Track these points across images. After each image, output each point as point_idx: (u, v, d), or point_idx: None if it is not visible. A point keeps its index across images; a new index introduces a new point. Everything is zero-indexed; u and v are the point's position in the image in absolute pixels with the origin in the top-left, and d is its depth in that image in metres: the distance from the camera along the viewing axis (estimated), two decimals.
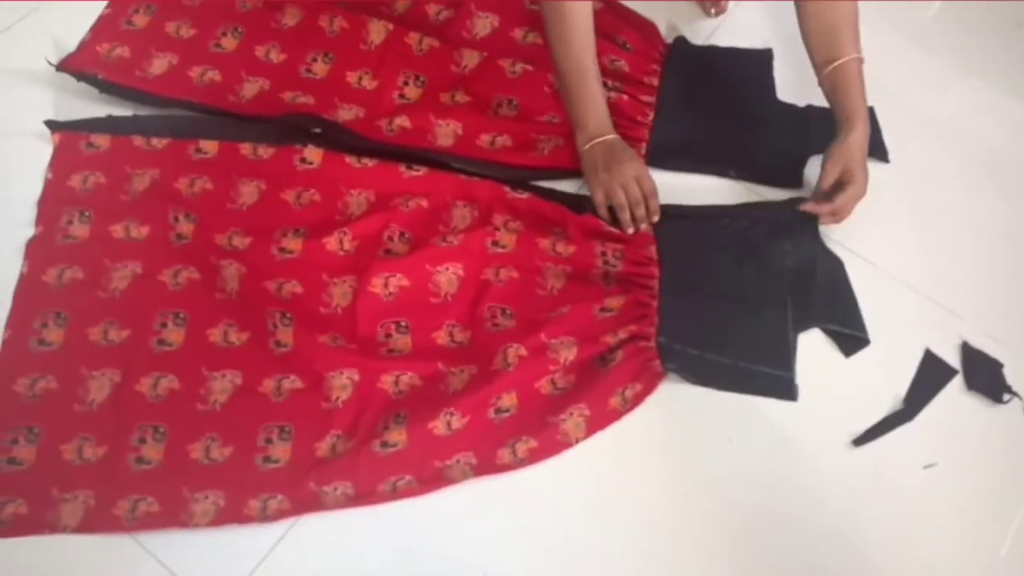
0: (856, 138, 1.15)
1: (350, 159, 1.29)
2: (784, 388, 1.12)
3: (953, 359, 1.16)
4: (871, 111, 1.30)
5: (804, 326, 1.16)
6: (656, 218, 1.21)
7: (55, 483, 1.03)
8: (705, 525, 1.05)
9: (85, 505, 1.02)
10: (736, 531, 1.04)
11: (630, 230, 1.21)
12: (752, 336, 1.15)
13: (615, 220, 1.22)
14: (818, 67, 1.19)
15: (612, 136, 1.22)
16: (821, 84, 1.19)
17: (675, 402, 1.12)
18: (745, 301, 1.17)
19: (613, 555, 1.03)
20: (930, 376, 1.14)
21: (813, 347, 1.16)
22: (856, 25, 1.17)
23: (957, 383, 1.14)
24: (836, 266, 1.21)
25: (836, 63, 1.16)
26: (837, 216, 1.20)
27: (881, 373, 1.14)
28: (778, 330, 1.15)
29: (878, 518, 1.05)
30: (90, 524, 1.01)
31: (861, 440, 1.09)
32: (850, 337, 1.16)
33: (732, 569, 1.02)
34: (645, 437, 1.10)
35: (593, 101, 1.21)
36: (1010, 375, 1.14)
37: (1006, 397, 1.12)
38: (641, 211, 1.20)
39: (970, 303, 1.20)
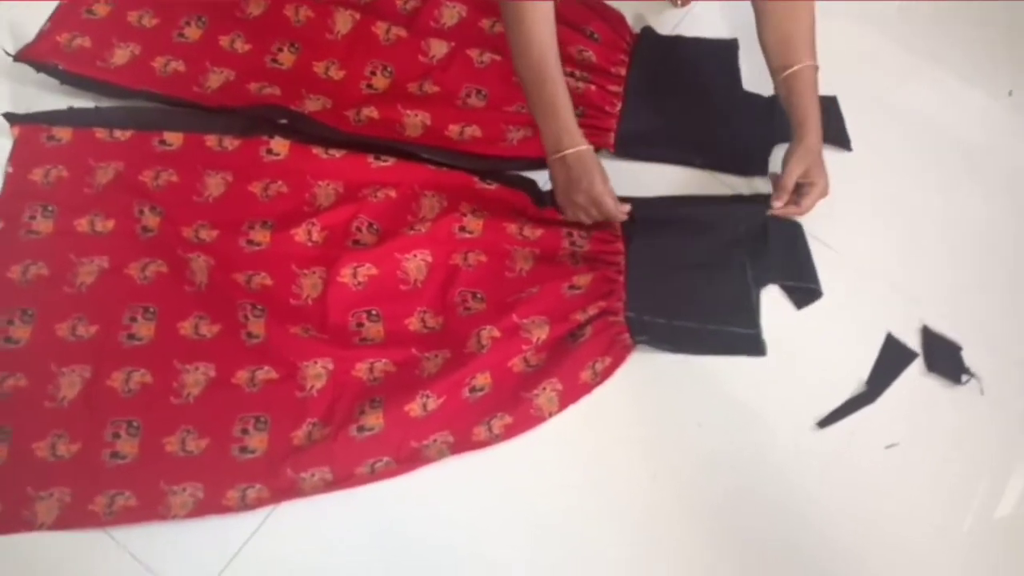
0: (812, 142, 1.17)
1: (317, 150, 1.29)
2: (752, 345, 1.16)
3: (914, 342, 1.19)
4: (834, 100, 1.34)
5: (763, 282, 1.21)
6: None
7: (29, 481, 1.03)
8: (676, 507, 1.07)
9: (61, 502, 1.02)
10: (707, 512, 1.07)
11: None
12: (716, 299, 1.18)
13: None
14: (774, 72, 1.21)
15: (572, 151, 1.15)
16: (776, 88, 1.22)
17: (645, 391, 1.14)
18: (706, 267, 1.20)
19: (585, 533, 1.05)
20: (891, 359, 1.17)
21: (778, 333, 1.18)
22: (812, 32, 1.19)
23: (918, 365, 1.17)
24: (792, 227, 1.25)
25: (791, 70, 1.17)
26: (801, 213, 1.22)
27: (844, 357, 1.17)
28: (740, 290, 1.18)
29: (845, 497, 1.08)
30: (67, 521, 1.01)
31: (825, 422, 1.12)
32: (804, 290, 1.21)
33: (704, 548, 1.05)
34: (616, 423, 1.12)
35: (553, 110, 1.14)
36: (968, 357, 1.17)
37: (964, 378, 1.16)
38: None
39: (930, 288, 1.23)
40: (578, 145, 1.15)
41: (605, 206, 1.16)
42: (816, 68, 1.18)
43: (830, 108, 1.33)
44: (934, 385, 1.16)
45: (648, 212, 1.23)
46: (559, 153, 1.15)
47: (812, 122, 1.17)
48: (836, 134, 1.30)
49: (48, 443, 1.05)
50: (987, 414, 1.14)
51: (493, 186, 1.27)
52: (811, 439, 1.12)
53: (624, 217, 1.19)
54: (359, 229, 1.23)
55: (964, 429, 1.13)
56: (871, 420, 1.13)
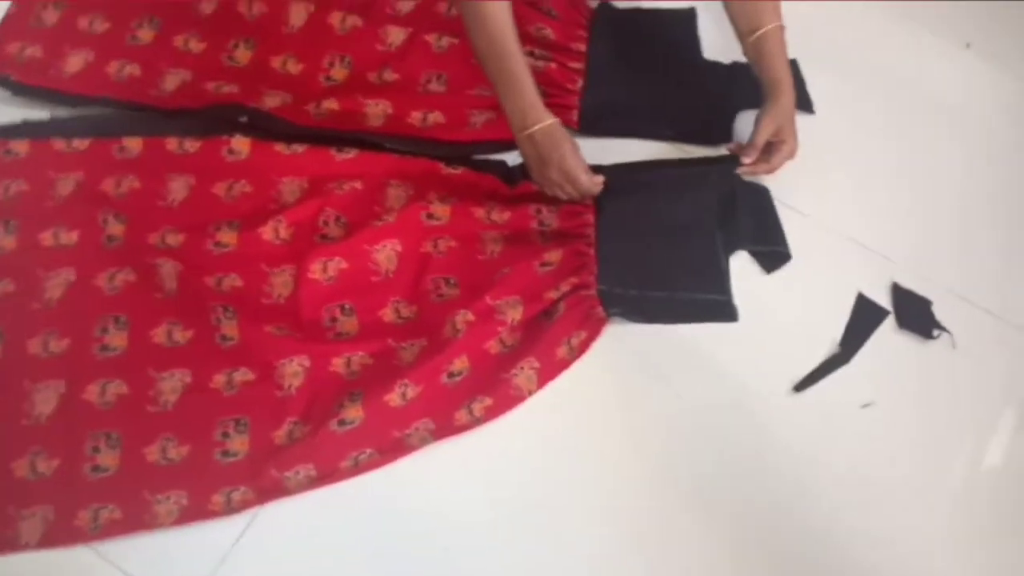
0: (787, 101, 1.18)
1: (279, 146, 1.27)
2: (724, 310, 1.17)
3: (885, 300, 1.20)
4: (795, 63, 1.33)
5: (733, 248, 1.22)
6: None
7: (11, 501, 1.02)
8: (657, 478, 1.08)
9: (44, 520, 1.01)
10: (688, 481, 1.08)
11: None
12: (685, 266, 1.19)
13: None
14: (742, 35, 1.20)
15: (539, 126, 1.14)
16: (745, 52, 1.21)
17: (621, 366, 1.14)
18: (675, 234, 1.21)
19: (571, 511, 1.06)
20: (863, 318, 1.18)
21: (751, 299, 1.19)
22: None
23: (889, 323, 1.18)
24: (761, 193, 1.26)
25: (759, 32, 1.17)
26: (769, 171, 1.23)
27: (816, 320, 1.18)
28: (709, 257, 1.20)
29: (825, 459, 1.09)
30: (52, 538, 1.00)
31: (801, 386, 1.13)
32: (773, 254, 1.22)
33: (687, 516, 1.06)
34: (595, 399, 1.12)
35: (515, 87, 1.13)
36: (939, 311, 1.18)
37: (936, 333, 1.17)
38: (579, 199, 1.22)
39: (898, 245, 1.24)
40: (544, 120, 1.14)
41: (578, 181, 1.16)
42: (783, 28, 1.18)
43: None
44: (907, 341, 1.17)
45: (615, 180, 1.22)
46: (526, 131, 1.15)
47: (785, 82, 1.18)
48: (798, 97, 1.30)
49: (27, 461, 1.04)
50: (960, 367, 1.15)
51: (460, 170, 1.26)
52: (788, 403, 1.12)
53: (599, 190, 1.19)
54: (326, 223, 1.22)
55: (938, 384, 1.14)
56: (846, 381, 1.14)
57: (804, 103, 1.33)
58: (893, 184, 1.30)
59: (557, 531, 1.05)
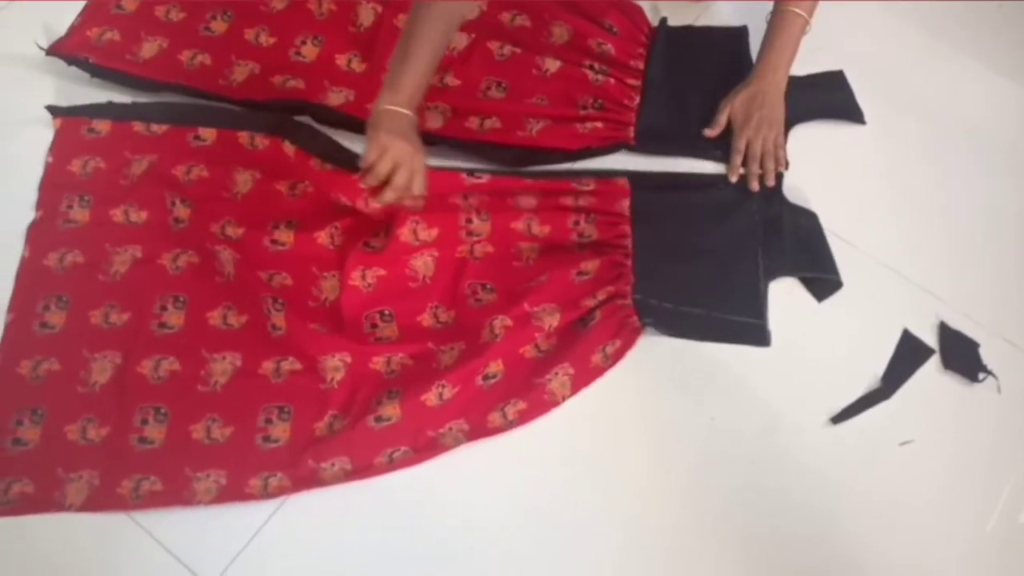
0: (755, 80, 1.27)
1: None
2: (757, 335, 1.17)
3: (930, 339, 1.18)
4: (840, 74, 1.36)
5: (775, 275, 1.21)
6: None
7: (60, 463, 1.06)
8: (687, 502, 1.08)
9: (90, 484, 1.05)
10: (718, 505, 1.07)
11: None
12: (724, 287, 1.19)
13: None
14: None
15: (410, 113, 1.16)
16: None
17: (658, 385, 1.15)
18: (716, 254, 1.21)
19: (595, 523, 1.06)
20: (908, 355, 1.17)
21: (793, 327, 1.18)
22: None
23: (934, 362, 1.16)
24: (810, 218, 1.25)
25: (780, 9, 1.25)
26: (765, 172, 1.26)
27: (859, 352, 1.17)
28: (749, 280, 1.19)
29: (861, 493, 1.08)
30: (94, 503, 1.04)
31: (839, 418, 1.12)
32: (823, 282, 1.21)
33: (717, 543, 1.05)
34: (628, 416, 1.13)
35: (417, 77, 1.16)
36: (985, 354, 1.16)
37: (981, 376, 1.14)
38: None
39: (948, 283, 1.22)
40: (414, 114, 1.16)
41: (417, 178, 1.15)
42: (800, 17, 1.24)
43: (836, 82, 1.35)
44: (951, 382, 1.15)
45: (655, 193, 1.25)
46: (394, 107, 1.15)
47: (764, 63, 1.26)
48: (845, 107, 1.30)
49: (79, 426, 1.09)
50: (1005, 412, 1.13)
51: (484, 178, 1.28)
52: (825, 434, 1.11)
53: (420, 200, 1.19)
54: (376, 233, 1.25)
55: (980, 427, 1.12)
56: (886, 416, 1.12)
57: (853, 113, 1.34)
58: (942, 221, 1.28)
59: (581, 541, 1.05)
